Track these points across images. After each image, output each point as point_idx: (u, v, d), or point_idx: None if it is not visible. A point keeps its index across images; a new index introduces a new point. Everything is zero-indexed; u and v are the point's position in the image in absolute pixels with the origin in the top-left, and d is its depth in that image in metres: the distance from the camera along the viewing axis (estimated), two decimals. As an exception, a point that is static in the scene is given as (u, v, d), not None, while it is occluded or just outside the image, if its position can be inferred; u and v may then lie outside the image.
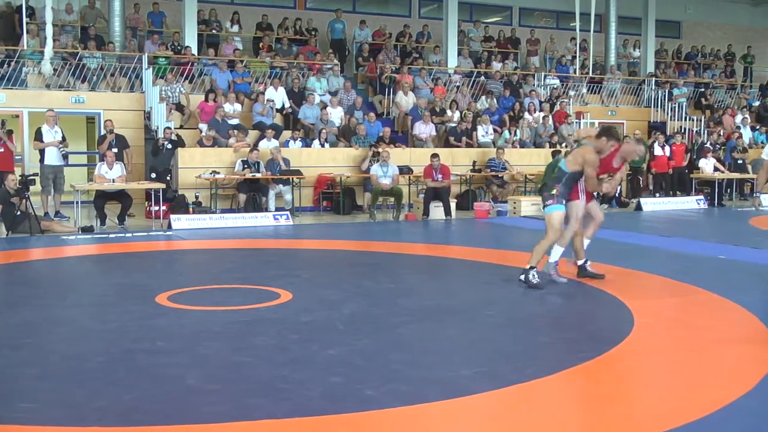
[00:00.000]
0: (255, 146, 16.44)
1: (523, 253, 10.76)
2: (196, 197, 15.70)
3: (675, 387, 5.16)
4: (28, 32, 18.41)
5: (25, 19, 18.15)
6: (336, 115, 18.70)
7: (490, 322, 6.93)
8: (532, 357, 5.74)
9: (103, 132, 16.47)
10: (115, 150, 15.01)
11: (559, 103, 22.27)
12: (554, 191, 8.29)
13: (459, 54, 23.77)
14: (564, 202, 8.35)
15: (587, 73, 24.78)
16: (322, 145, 17.66)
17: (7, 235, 12.85)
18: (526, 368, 5.37)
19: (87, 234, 13.05)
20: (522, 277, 8.29)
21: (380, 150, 16.68)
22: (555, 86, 23.64)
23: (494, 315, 7.16)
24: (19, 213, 12.95)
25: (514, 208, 16.79)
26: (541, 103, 21.75)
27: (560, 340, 6.33)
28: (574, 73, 24.35)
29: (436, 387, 4.96)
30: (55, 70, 18.38)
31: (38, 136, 14.88)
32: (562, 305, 7.81)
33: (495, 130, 20.09)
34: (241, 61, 20.30)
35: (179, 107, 18.17)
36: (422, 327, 6.72)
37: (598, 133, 8.59)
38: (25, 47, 18.46)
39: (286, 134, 17.94)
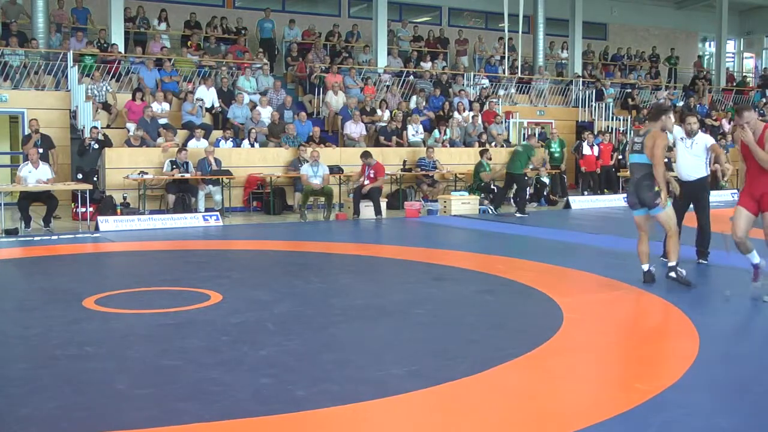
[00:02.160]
0: (184, 146, 16.24)
1: (453, 251, 10.86)
2: (124, 198, 15.44)
3: (601, 382, 5.28)
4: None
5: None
6: (265, 114, 18.58)
7: (421, 320, 6.96)
8: (462, 355, 5.78)
9: (27, 131, 16.12)
10: (40, 150, 14.68)
11: (488, 102, 22.51)
12: (656, 188, 8.08)
13: (389, 53, 23.82)
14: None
15: (516, 73, 25.06)
16: (252, 145, 17.53)
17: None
18: (456, 366, 5.42)
19: (11, 237, 12.75)
20: (672, 274, 8.21)
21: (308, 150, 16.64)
22: (484, 86, 23.87)
23: (425, 314, 7.20)
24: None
25: (445, 207, 16.89)
26: (470, 102, 21.92)
27: (490, 337, 6.40)
28: (503, 73, 24.59)
29: (368, 386, 4.97)
30: (-25, 67, 17.91)
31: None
32: (492, 303, 7.88)
33: (425, 129, 20.18)
34: (169, 60, 20.04)
35: (106, 106, 17.86)
36: (353, 327, 6.72)
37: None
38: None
39: (216, 134, 17.77)
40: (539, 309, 7.44)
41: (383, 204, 16.10)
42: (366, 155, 16.06)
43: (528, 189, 18.25)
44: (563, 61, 27.82)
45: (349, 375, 5.25)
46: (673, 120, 8.94)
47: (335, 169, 17.14)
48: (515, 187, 17.02)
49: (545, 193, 19.31)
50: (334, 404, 4.65)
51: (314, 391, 4.89)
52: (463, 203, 16.89)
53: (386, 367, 5.46)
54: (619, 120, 24.20)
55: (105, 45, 19.95)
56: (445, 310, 7.41)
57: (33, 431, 4.24)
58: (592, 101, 25.02)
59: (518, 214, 16.13)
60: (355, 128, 19.12)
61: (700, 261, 9.79)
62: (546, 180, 19.45)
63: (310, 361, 5.59)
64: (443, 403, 4.80)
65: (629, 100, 26.06)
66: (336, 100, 20.42)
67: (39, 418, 4.44)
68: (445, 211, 16.78)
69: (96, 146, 15.70)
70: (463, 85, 23.44)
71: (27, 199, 13.93)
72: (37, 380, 5.15)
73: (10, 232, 12.97)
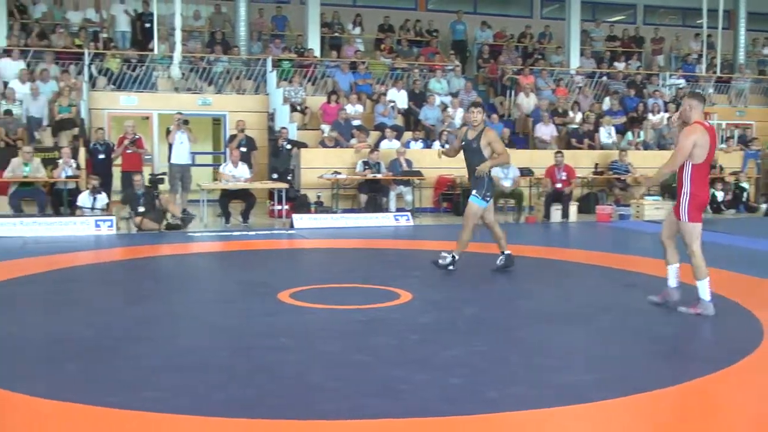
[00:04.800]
0: (376, 147, 16.54)
1: (645, 258, 10.48)
2: (318, 197, 15.89)
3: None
4: (158, 38, 19.05)
5: (156, 26, 18.81)
6: (457, 116, 18.62)
7: (611, 328, 6.75)
8: (654, 365, 5.55)
9: (233, 131, 16.92)
10: (243, 149, 15.38)
11: (684, 103, 21.55)
12: None
13: (581, 54, 23.33)
14: None
15: (714, 72, 23.92)
16: (443, 146, 17.59)
17: (137, 231, 13.32)
18: (648, 376, 5.20)
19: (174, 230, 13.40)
20: None
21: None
22: (680, 86, 22.86)
23: (614, 321, 6.97)
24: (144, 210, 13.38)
25: (637, 211, 16.35)
26: (665, 103, 21.09)
27: (682, 348, 6.13)
28: (701, 72, 23.53)
29: (558, 392, 4.86)
30: (183, 73, 18.97)
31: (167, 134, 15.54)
32: (684, 314, 7.49)
33: (617, 131, 19.61)
34: (363, 63, 20.45)
35: (302, 109, 18.43)
36: (541, 330, 6.59)
37: None
38: (156, 52, 19.12)
39: (407, 135, 17.98)
40: (735, 321, 6.96)
41: (574, 208, 15.79)
42: (557, 154, 15.84)
43: (726, 195, 17.42)
44: (766, 59, 26.28)
45: (538, 379, 5.14)
46: None
47: (525, 172, 16.95)
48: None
49: (744, 199, 18.32)
50: (524, 408, 4.57)
51: (504, 393, 4.82)
52: (656, 208, 16.29)
53: (576, 373, 5.31)
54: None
55: (302, 50, 20.64)
56: (635, 318, 7.11)
57: (232, 413, 4.40)
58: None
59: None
60: (545, 130, 18.84)
61: None
62: (746, 185, 18.46)
63: (499, 363, 5.53)
64: (636, 415, 4.60)
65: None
66: (527, 101, 20.19)
67: (236, 403, 4.60)
68: (637, 216, 16.26)
69: (288, 147, 16.23)
70: (658, 85, 22.61)
71: (227, 196, 14.64)
72: (235, 367, 5.35)
73: (171, 227, 13.57)
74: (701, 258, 6.97)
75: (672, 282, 7.32)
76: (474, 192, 9.14)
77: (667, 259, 7.31)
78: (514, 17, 25.58)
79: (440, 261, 9.18)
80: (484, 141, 9.02)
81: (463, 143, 9.25)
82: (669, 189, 16.40)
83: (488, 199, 9.21)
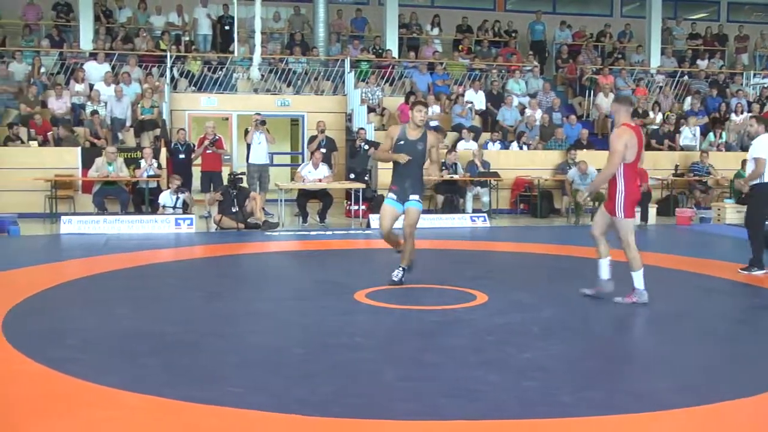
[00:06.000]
0: (453, 148, 16.51)
1: (726, 263, 10.25)
2: (394, 198, 15.89)
3: None
4: (238, 40, 19.34)
5: (236, 29, 19.11)
6: (535, 117, 18.47)
7: (690, 334, 6.61)
8: (736, 373, 5.41)
9: (313, 133, 17.08)
10: (323, 150, 15.52)
11: (769, 103, 21.03)
12: None
13: (662, 53, 22.89)
14: None
15: (802, 70, 23.26)
16: (521, 148, 17.49)
17: (216, 229, 13.57)
18: (728, 385, 5.09)
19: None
20: None
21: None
22: (765, 85, 22.25)
23: (694, 327, 6.84)
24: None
25: (719, 215, 16.00)
26: (749, 103, 20.57)
27: (764, 358, 5.93)
28: (787, 71, 22.90)
29: (634, 398, 4.78)
30: (262, 75, 19.21)
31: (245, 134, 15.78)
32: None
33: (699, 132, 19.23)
34: (441, 63, 20.43)
35: (379, 110, 18.50)
36: (619, 335, 6.52)
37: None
38: (236, 54, 19.42)
39: (485, 136, 17.92)
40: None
41: (653, 210, 15.52)
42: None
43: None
44: None
45: (614, 385, 5.08)
46: None
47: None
48: None
49: None
50: (598, 413, 4.52)
51: (578, 398, 4.77)
52: (738, 211, 15.90)
53: (653, 379, 5.23)
54: None
55: (380, 51, 20.72)
56: (716, 324, 6.97)
57: (308, 412, 4.45)
58: None
59: None
60: (625, 131, 18.52)
61: None
62: None
63: (575, 368, 5.48)
64: (715, 423, 4.52)
65: None
66: (606, 102, 19.90)
67: (313, 400, 4.66)
68: (718, 220, 15.90)
69: (365, 147, 16.30)
70: (742, 84, 22.06)
71: (305, 196, 14.78)
72: (312, 365, 5.41)
73: (250, 227, 13.69)
74: (636, 250, 7.41)
75: (604, 274, 7.65)
76: (417, 197, 8.35)
77: (600, 253, 7.66)
78: (593, 16, 25.24)
79: (393, 278, 8.42)
80: (428, 143, 8.35)
81: (402, 142, 8.27)
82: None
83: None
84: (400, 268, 8.40)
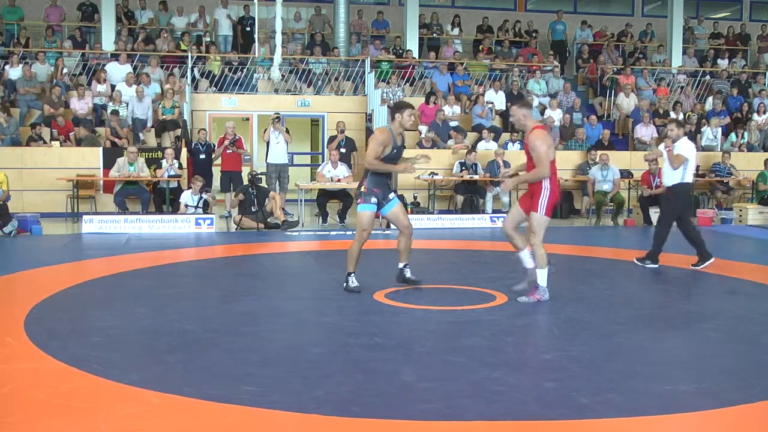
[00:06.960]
0: (473, 148, 16.49)
1: (748, 264, 10.18)
2: (415, 198, 15.94)
3: None
4: (259, 41, 19.40)
5: (257, 30, 19.17)
6: (555, 117, 18.43)
7: (711, 336, 6.55)
8: (758, 376, 5.34)
9: (333, 133, 17.10)
10: (342, 150, 15.53)
11: (792, 104, 20.85)
12: None
13: (684, 53, 22.75)
14: None
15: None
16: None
17: (236, 229, 13.62)
18: (750, 388, 5.03)
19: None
20: None
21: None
22: (788, 85, 22.13)
23: (715, 329, 6.76)
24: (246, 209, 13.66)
25: (740, 216, 15.90)
26: (772, 103, 20.44)
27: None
28: (811, 71, 22.68)
29: (654, 400, 4.75)
30: (283, 75, 19.26)
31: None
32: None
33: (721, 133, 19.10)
34: (461, 64, 20.41)
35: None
36: (639, 336, 6.46)
37: None
38: (257, 55, 19.49)
39: (505, 136, 17.88)
40: None
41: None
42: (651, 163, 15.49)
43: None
44: None
45: (634, 386, 5.04)
46: None
47: (625, 174, 16.65)
48: None
49: None
50: (618, 415, 4.49)
51: (598, 399, 4.74)
52: (760, 212, 15.81)
53: (673, 381, 5.18)
54: None
55: (400, 51, 20.73)
56: (738, 326, 6.90)
57: (327, 411, 4.45)
58: None
59: None
60: (645, 131, 18.47)
61: None
62: None
63: (595, 369, 5.44)
64: (735, 427, 4.48)
65: None
66: (627, 102, 19.83)
67: (332, 399, 4.66)
68: (740, 221, 15.81)
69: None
70: (764, 84, 21.89)
71: (324, 196, 14.81)
72: (331, 364, 5.42)
73: (270, 227, 13.73)
74: (543, 248, 7.58)
75: (529, 264, 7.82)
76: (393, 194, 8.42)
77: (517, 247, 7.89)
78: (614, 15, 25.18)
79: (413, 278, 8.44)
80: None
81: (395, 151, 8.26)
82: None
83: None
84: (406, 267, 8.47)
